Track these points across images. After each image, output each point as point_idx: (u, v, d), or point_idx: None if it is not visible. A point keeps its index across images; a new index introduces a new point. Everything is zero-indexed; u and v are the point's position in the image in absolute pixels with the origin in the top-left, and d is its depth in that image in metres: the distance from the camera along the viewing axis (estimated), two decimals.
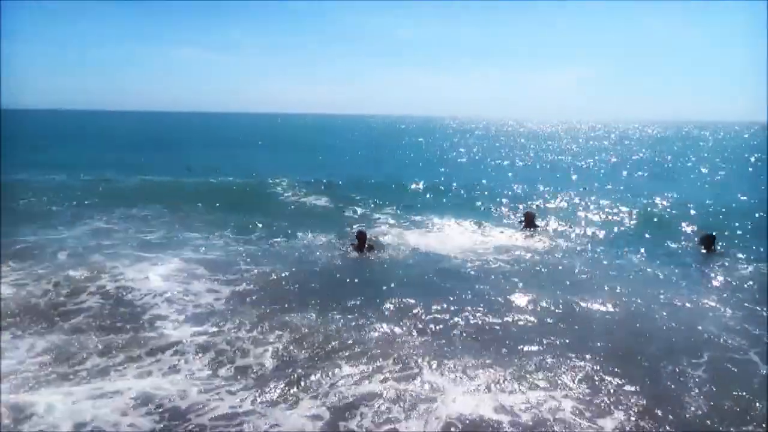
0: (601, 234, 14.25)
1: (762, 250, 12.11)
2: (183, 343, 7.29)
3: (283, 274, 10.14)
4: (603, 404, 5.95)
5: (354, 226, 13.99)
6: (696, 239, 12.89)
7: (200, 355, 7.03)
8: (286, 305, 8.67)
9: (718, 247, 12.21)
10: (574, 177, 28.39)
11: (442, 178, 26.04)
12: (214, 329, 7.79)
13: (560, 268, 11.00)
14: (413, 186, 22.62)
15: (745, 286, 9.87)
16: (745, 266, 11.04)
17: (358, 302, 8.78)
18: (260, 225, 14.36)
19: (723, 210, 17.29)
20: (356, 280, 10.02)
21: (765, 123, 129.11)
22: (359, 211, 17.11)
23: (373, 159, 38.31)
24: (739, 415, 5.82)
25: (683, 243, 13.22)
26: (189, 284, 9.60)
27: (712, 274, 10.62)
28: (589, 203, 18.82)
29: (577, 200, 19.48)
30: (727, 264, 11.23)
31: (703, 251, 12.16)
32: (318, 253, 11.78)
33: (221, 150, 43.79)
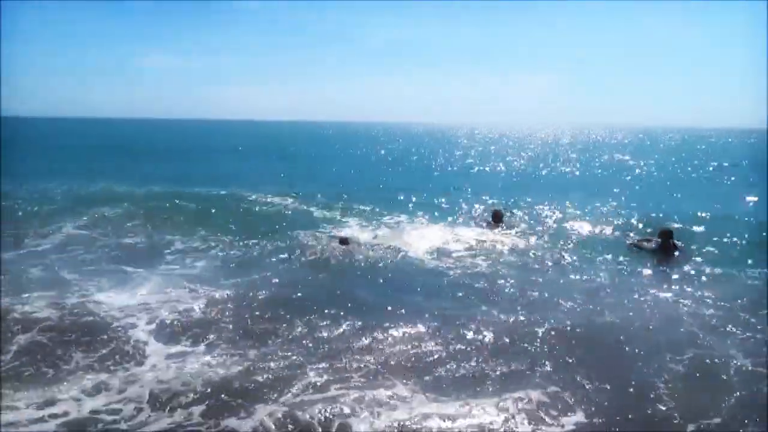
0: (567, 233, 14.74)
1: (716, 251, 12.73)
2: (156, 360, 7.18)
3: (259, 284, 10.05)
4: (567, 403, 6.21)
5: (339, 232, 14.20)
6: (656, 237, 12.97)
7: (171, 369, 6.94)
8: (266, 316, 8.60)
9: (679, 243, 12.52)
10: (542, 181, 29.22)
11: (418, 182, 26.55)
12: (190, 347, 7.61)
13: (527, 266, 11.39)
14: (387, 188, 23.04)
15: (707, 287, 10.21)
16: (703, 265, 11.51)
17: (332, 311, 8.76)
18: (235, 235, 13.88)
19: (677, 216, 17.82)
20: (333, 288, 10.06)
21: (765, 129, 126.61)
22: (333, 214, 17.16)
23: (346, 163, 38.70)
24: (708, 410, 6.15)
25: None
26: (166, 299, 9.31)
27: (672, 274, 11.04)
28: (557, 205, 19.39)
29: (546, 203, 19.99)
30: (684, 263, 11.71)
31: (658, 245, 12.43)
32: (298, 258, 11.83)
33: (190, 157, 43.30)
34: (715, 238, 13.64)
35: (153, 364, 7.06)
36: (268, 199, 19.75)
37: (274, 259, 11.84)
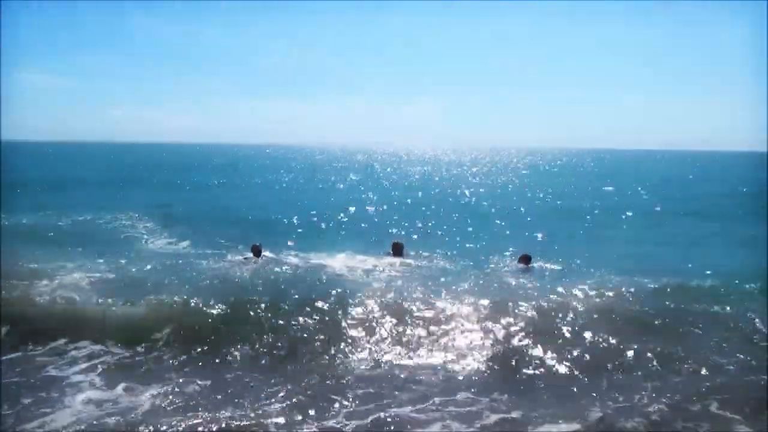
0: (453, 256, 15.73)
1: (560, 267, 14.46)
2: None
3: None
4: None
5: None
6: (516, 259, 14.80)
7: None
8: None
9: (534, 266, 14.41)
10: (433, 206, 30.26)
11: (312, 211, 26.39)
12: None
13: (422, 294, 11.76)
14: (282, 219, 22.71)
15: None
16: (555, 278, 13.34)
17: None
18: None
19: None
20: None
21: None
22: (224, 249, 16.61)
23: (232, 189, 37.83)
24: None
25: (507, 261, 15.07)
26: None
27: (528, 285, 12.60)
28: (443, 229, 20.63)
29: (437, 228, 21.16)
30: (539, 277, 13.53)
31: (522, 266, 14.29)
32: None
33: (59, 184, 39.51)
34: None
35: None
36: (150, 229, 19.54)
37: None
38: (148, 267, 13.63)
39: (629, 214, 25.62)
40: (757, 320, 10.11)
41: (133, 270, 13.38)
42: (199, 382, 7.96)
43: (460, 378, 8.24)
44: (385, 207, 28.26)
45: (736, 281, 12.35)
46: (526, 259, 14.42)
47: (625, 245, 18.05)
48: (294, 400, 7.43)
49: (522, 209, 27.75)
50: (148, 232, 19.25)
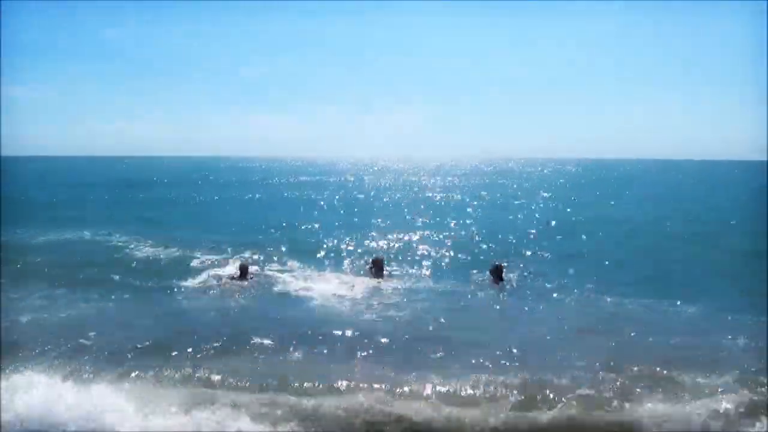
0: (429, 272, 16.10)
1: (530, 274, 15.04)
2: None
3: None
4: None
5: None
6: (487, 271, 14.95)
7: None
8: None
9: (506, 277, 14.50)
10: (407, 216, 30.81)
11: (293, 225, 26.54)
12: None
13: (402, 312, 12.06)
14: (267, 233, 22.89)
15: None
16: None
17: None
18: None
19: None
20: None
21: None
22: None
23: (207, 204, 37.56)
24: None
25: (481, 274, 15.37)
26: None
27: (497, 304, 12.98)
28: (419, 241, 21.17)
29: (412, 240, 21.73)
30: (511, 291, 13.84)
31: (493, 281, 14.28)
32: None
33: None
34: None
35: None
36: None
37: None
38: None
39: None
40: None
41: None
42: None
43: None
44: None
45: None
46: (498, 271, 14.40)
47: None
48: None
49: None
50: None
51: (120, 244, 19.91)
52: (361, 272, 15.65)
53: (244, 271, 14.50)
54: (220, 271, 15.31)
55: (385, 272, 15.34)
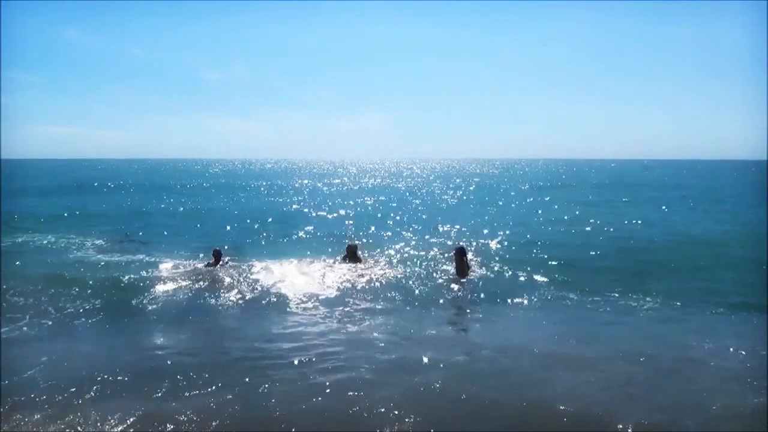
0: (398, 256, 16.78)
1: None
2: None
3: None
4: None
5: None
6: (451, 253, 15.19)
7: None
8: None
9: (470, 260, 14.88)
10: (380, 214, 31.14)
11: (268, 219, 26.59)
12: None
13: (372, 295, 12.56)
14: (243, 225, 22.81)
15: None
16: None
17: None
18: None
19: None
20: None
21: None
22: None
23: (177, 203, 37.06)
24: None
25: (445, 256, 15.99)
26: None
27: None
28: (393, 233, 21.62)
29: (383, 232, 22.23)
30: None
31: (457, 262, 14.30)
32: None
33: None
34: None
35: None
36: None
37: None
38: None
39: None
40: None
41: None
42: None
43: None
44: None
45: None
46: (460, 253, 14.40)
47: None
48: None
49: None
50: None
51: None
52: (337, 258, 16.11)
53: (217, 257, 14.60)
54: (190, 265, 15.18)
55: (360, 257, 15.99)
